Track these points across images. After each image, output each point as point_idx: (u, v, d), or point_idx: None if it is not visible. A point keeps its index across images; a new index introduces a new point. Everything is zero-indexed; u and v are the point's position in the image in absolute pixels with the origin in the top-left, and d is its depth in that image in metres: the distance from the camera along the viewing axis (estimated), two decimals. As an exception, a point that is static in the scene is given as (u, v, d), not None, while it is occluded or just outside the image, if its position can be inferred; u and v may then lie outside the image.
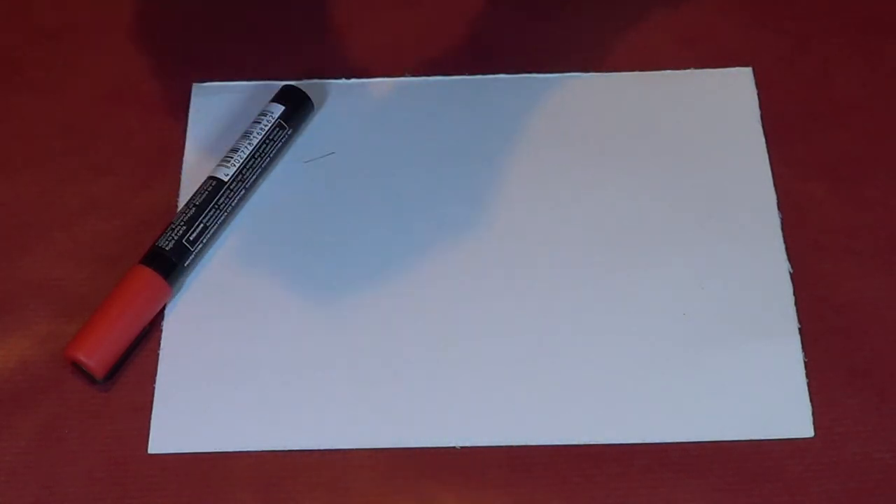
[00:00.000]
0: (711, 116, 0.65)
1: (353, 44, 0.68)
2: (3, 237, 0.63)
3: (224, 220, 0.62)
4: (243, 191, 0.63)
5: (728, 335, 0.59)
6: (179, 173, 0.64)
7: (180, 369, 0.59)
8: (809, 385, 0.58)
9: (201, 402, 0.58)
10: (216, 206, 0.61)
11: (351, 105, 0.66)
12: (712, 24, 0.68)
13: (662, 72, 0.67)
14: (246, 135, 0.63)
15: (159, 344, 0.60)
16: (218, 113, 0.66)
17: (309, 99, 0.65)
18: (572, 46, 0.68)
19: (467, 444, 0.57)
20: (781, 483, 0.56)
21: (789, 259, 0.61)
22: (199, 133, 0.66)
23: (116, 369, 0.59)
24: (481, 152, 0.65)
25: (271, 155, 0.64)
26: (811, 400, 0.57)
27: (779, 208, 0.62)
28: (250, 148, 0.63)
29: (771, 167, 0.63)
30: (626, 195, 0.63)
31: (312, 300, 0.60)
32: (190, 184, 0.63)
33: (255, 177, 0.63)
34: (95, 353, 0.58)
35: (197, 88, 0.67)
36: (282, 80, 0.66)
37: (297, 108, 0.65)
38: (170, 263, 0.60)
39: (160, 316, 0.60)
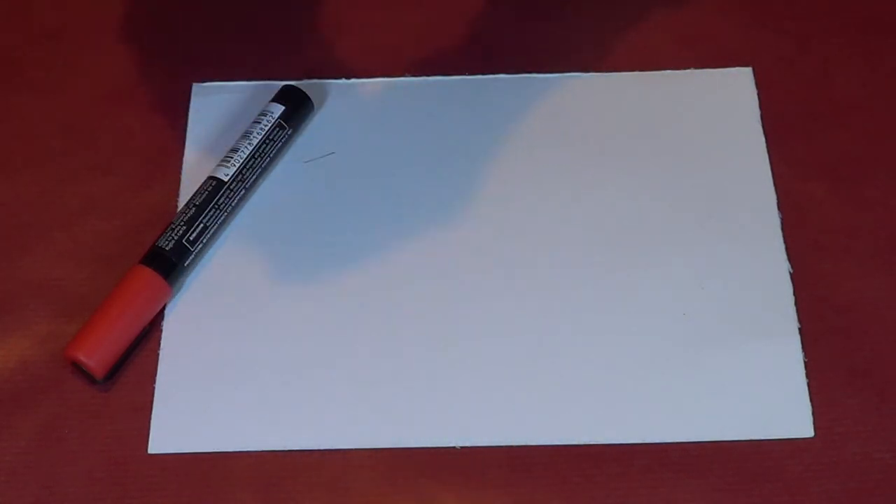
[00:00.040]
0: (711, 116, 0.65)
1: (353, 44, 0.68)
2: (3, 237, 0.63)
3: (224, 220, 0.62)
4: (243, 191, 0.63)
5: (728, 335, 0.59)
6: (179, 173, 0.64)
7: (180, 369, 0.59)
8: (809, 385, 0.58)
9: (201, 402, 0.58)
10: (216, 206, 0.61)
11: (351, 105, 0.66)
12: (712, 24, 0.68)
13: (662, 72, 0.67)
14: (246, 135, 0.63)
15: (159, 344, 0.60)
16: (218, 113, 0.66)
17: (309, 99, 0.65)
18: (572, 46, 0.68)
19: (467, 444, 0.57)
20: (781, 483, 0.56)
21: (789, 259, 0.61)
22: (199, 133, 0.66)
23: (116, 369, 0.59)
24: (481, 152, 0.65)
25: (271, 155, 0.64)
26: (811, 400, 0.57)
27: (779, 208, 0.62)
28: (250, 148, 0.63)
29: (771, 167, 0.63)
30: (626, 195, 0.63)
31: (312, 300, 0.60)
32: (190, 184, 0.63)
33: (255, 177, 0.63)
34: (95, 353, 0.58)
35: (197, 88, 0.67)
36: (282, 80, 0.66)
37: (297, 108, 0.65)
38: (170, 263, 0.60)
39: (160, 316, 0.60)
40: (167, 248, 0.60)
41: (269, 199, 0.64)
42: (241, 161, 0.62)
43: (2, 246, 0.63)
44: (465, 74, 0.67)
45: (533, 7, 0.69)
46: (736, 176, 0.63)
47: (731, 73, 0.67)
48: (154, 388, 0.58)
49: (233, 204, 0.62)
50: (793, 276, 0.60)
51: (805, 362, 0.58)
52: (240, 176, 0.62)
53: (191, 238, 0.61)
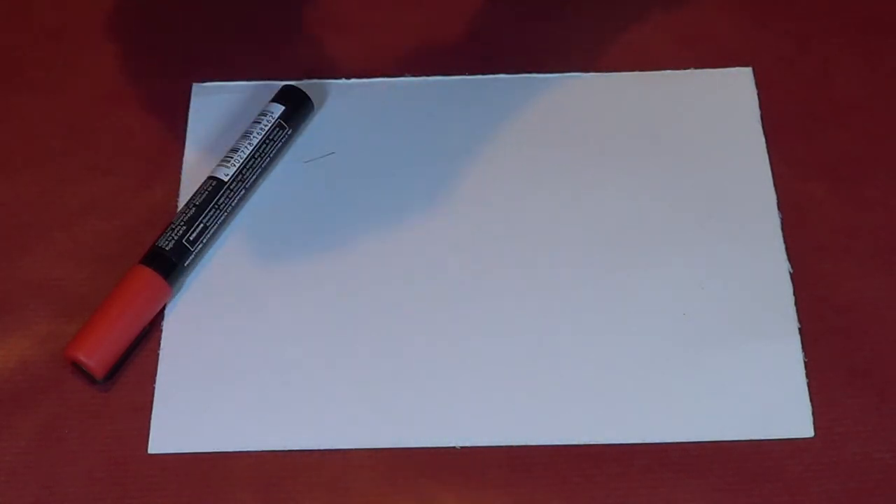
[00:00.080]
0: (711, 116, 0.65)
1: (353, 44, 0.68)
2: (3, 237, 0.63)
3: (224, 220, 0.62)
4: (243, 191, 0.63)
5: (728, 335, 0.59)
6: (179, 173, 0.64)
7: (180, 369, 0.59)
8: (809, 385, 0.58)
9: (201, 402, 0.58)
10: (216, 206, 0.61)
11: (351, 105, 0.66)
12: (712, 24, 0.68)
13: (662, 72, 0.67)
14: (246, 135, 0.63)
15: (159, 344, 0.60)
16: (218, 113, 0.66)
17: (309, 99, 0.65)
18: (572, 46, 0.68)
19: (467, 444, 0.57)
20: (781, 483, 0.56)
21: (789, 259, 0.61)
22: (199, 133, 0.66)
23: (116, 369, 0.59)
24: (481, 152, 0.64)
25: (271, 155, 0.64)
26: (811, 400, 0.57)
27: (779, 208, 0.62)
28: (250, 148, 0.63)
29: (771, 167, 0.63)
30: (626, 195, 0.63)
31: (312, 300, 0.60)
32: (190, 184, 0.63)
33: (255, 177, 0.63)
34: (95, 353, 0.58)
35: (197, 88, 0.67)
36: (282, 80, 0.66)
37: (297, 108, 0.65)
38: (170, 263, 0.60)
39: (160, 316, 0.60)
40: (167, 248, 0.60)
41: (269, 199, 0.64)
42: (241, 161, 0.62)
43: (2, 246, 0.63)
44: (465, 74, 0.67)
45: (533, 7, 0.69)
46: (736, 176, 0.63)
47: (731, 73, 0.67)
48: (154, 388, 0.58)
49: (233, 204, 0.62)
50: (793, 276, 0.60)
51: (805, 362, 0.58)
52: (240, 176, 0.62)
53: (191, 238, 0.61)
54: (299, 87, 0.65)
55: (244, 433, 0.57)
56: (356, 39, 0.69)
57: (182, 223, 0.61)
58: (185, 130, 0.66)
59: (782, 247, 0.61)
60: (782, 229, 0.62)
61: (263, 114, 0.64)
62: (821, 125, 0.65)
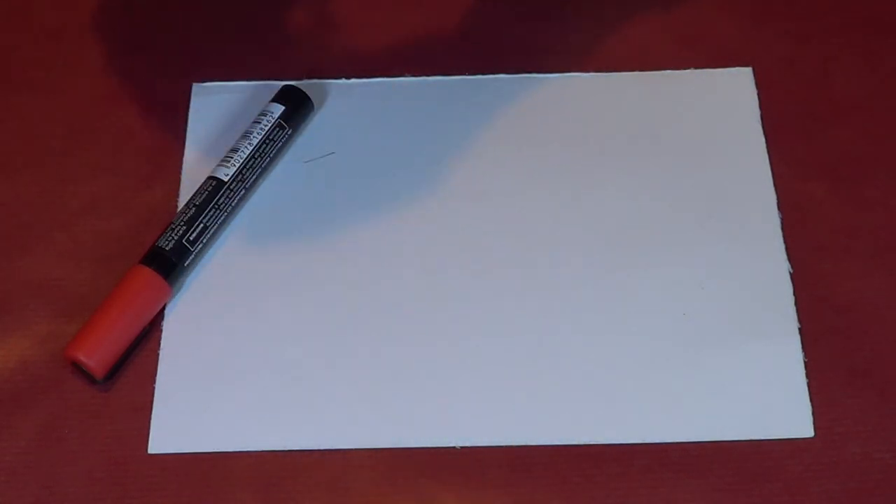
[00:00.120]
0: (711, 116, 0.65)
1: (353, 44, 0.68)
2: (3, 237, 0.63)
3: (224, 220, 0.62)
4: (243, 191, 0.63)
5: (728, 335, 0.59)
6: (179, 173, 0.64)
7: (180, 369, 0.59)
8: (809, 385, 0.58)
9: (201, 402, 0.58)
10: (216, 206, 0.61)
11: (351, 105, 0.66)
12: (712, 24, 0.68)
13: (662, 72, 0.67)
14: (246, 135, 0.63)
15: (159, 344, 0.60)
16: (218, 113, 0.66)
17: (309, 99, 0.65)
18: (572, 46, 0.68)
19: (467, 444, 0.57)
20: (781, 483, 0.56)
21: (789, 259, 0.61)
22: (199, 133, 0.66)
23: (116, 369, 0.59)
24: (481, 152, 0.65)
25: (271, 155, 0.64)
26: (811, 400, 0.57)
27: (779, 208, 0.62)
28: (250, 148, 0.63)
29: (771, 167, 0.63)
30: (626, 195, 0.63)
31: (312, 300, 0.60)
32: (190, 184, 0.63)
33: (255, 177, 0.63)
34: (95, 353, 0.58)
35: (197, 88, 0.67)
36: (282, 80, 0.66)
37: (297, 108, 0.65)
38: (170, 263, 0.60)
39: (160, 316, 0.60)
40: (167, 248, 0.60)
41: (269, 199, 0.64)
42: (241, 161, 0.62)
43: (2, 246, 0.63)
44: (465, 74, 0.67)
45: (533, 7, 0.69)
46: (736, 176, 0.63)
47: (731, 73, 0.67)
48: (154, 388, 0.58)
49: (233, 204, 0.62)
50: (793, 276, 0.60)
51: (805, 362, 0.58)
52: (240, 176, 0.62)
53: (191, 238, 0.61)
54: (299, 87, 0.65)
55: (244, 433, 0.57)
56: (356, 39, 0.69)
57: (182, 223, 0.61)
58: (185, 130, 0.66)
59: (782, 247, 0.61)
60: (782, 229, 0.62)
61: (263, 114, 0.64)
62: (821, 125, 0.65)
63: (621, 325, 0.59)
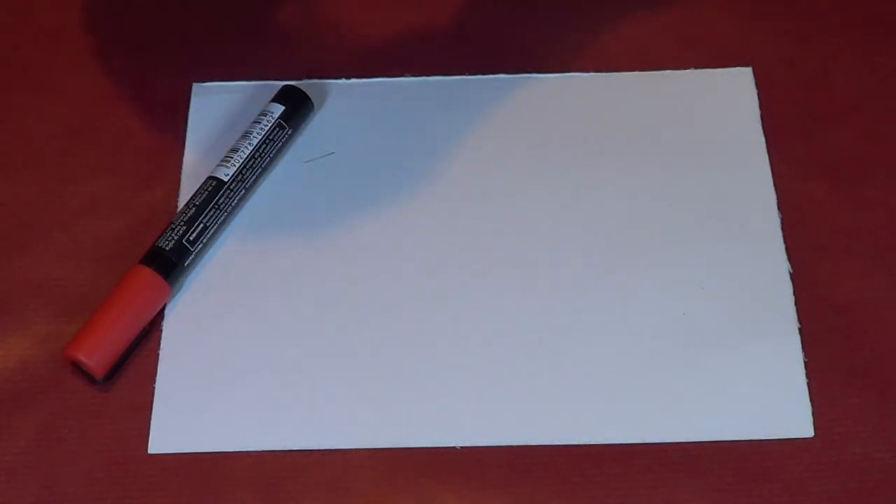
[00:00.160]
0: (711, 116, 0.65)
1: (353, 44, 0.68)
2: (3, 237, 0.63)
3: (224, 220, 0.62)
4: (243, 191, 0.63)
5: (728, 335, 0.59)
6: (179, 173, 0.64)
7: (180, 369, 0.59)
8: (809, 385, 0.58)
9: (201, 402, 0.58)
10: (216, 206, 0.61)
11: (351, 105, 0.66)
12: (712, 24, 0.68)
13: (662, 72, 0.67)
14: (246, 135, 0.63)
15: (159, 344, 0.60)
16: (218, 113, 0.66)
17: (309, 99, 0.65)
18: (572, 46, 0.68)
19: (467, 444, 0.57)
20: (781, 483, 0.56)
21: (789, 259, 0.61)
22: (199, 133, 0.66)
23: (116, 369, 0.59)
24: (481, 152, 0.65)
25: (271, 155, 0.64)
26: (811, 400, 0.57)
27: (779, 208, 0.62)
28: (250, 148, 0.63)
29: (771, 167, 0.63)
30: (626, 195, 0.63)
31: (312, 300, 0.60)
32: (190, 184, 0.63)
33: (255, 177, 0.63)
34: (95, 353, 0.58)
35: (197, 88, 0.67)
36: (282, 80, 0.66)
37: (297, 108, 0.65)
38: (170, 263, 0.60)
39: (160, 316, 0.60)
40: (167, 248, 0.60)
41: (269, 199, 0.64)
42: (241, 161, 0.62)
43: (2, 246, 0.63)
44: (465, 74, 0.67)
45: (533, 7, 0.69)
46: (736, 176, 0.63)
47: (731, 73, 0.67)
48: (154, 388, 0.58)
49: (233, 204, 0.62)
50: (793, 276, 0.60)
51: (805, 362, 0.58)
52: (240, 176, 0.62)
53: (191, 238, 0.61)
54: (299, 87, 0.65)
55: (244, 433, 0.57)
56: (356, 39, 0.69)
57: (182, 223, 0.61)
58: (185, 130, 0.66)
59: (782, 247, 0.61)
60: (782, 229, 0.62)
61: (263, 114, 0.64)
62: (821, 125, 0.65)
63: (621, 325, 0.59)
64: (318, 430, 0.57)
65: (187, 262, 0.60)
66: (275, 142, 0.64)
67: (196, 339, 0.60)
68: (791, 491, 0.55)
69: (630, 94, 0.66)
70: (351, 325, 0.60)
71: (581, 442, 0.57)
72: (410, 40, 0.68)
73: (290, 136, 0.64)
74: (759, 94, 0.66)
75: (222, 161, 0.63)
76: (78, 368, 0.58)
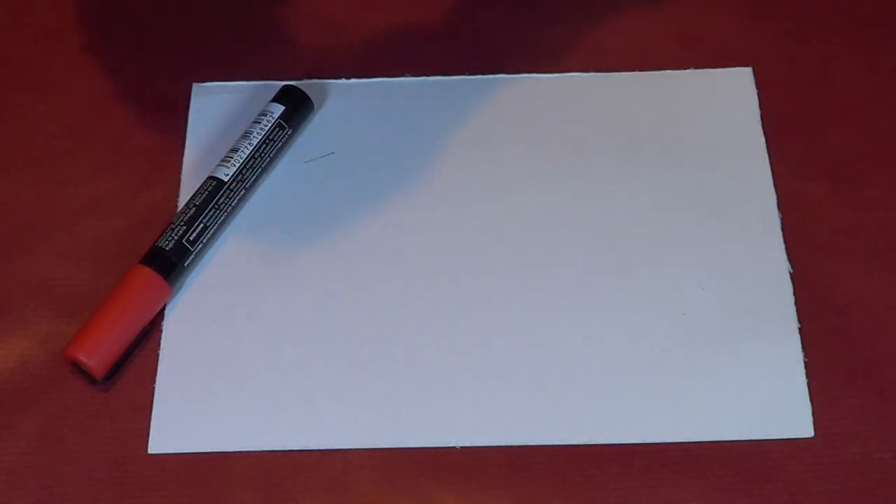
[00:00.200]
0: (711, 116, 0.65)
1: (353, 44, 0.68)
2: (3, 237, 0.63)
3: (224, 220, 0.62)
4: (243, 191, 0.63)
5: (728, 335, 0.59)
6: (179, 173, 0.64)
7: (180, 369, 0.59)
8: (809, 385, 0.58)
9: (201, 402, 0.58)
10: (216, 206, 0.61)
11: (351, 105, 0.66)
12: (712, 23, 0.68)
13: (662, 72, 0.67)
14: (246, 135, 0.63)
15: (159, 344, 0.60)
16: (218, 113, 0.66)
17: (309, 99, 0.65)
18: (572, 46, 0.68)
19: (467, 444, 0.57)
20: (781, 483, 0.56)
21: (789, 259, 0.61)
22: (199, 133, 0.66)
23: (116, 369, 0.59)
24: (481, 152, 0.65)
25: (271, 155, 0.64)
26: (811, 400, 0.57)
27: (779, 208, 0.62)
28: (250, 148, 0.63)
29: (771, 167, 0.63)
30: (625, 195, 0.63)
31: (312, 300, 0.60)
32: (190, 184, 0.63)
33: (255, 177, 0.63)
34: (95, 353, 0.58)
35: (197, 88, 0.67)
36: (282, 80, 0.66)
37: (297, 108, 0.65)
38: (170, 263, 0.60)
39: (160, 316, 0.60)
40: (167, 248, 0.60)
41: (269, 199, 0.64)
42: (241, 161, 0.62)
43: (2, 246, 0.63)
44: (465, 74, 0.67)
45: (533, 7, 0.69)
46: (736, 176, 0.63)
47: (731, 73, 0.67)
48: (154, 388, 0.58)
49: (233, 204, 0.62)
50: (793, 276, 0.60)
51: (805, 362, 0.58)
52: (240, 176, 0.62)
53: (191, 238, 0.61)
54: (299, 87, 0.65)
55: (244, 433, 0.57)
56: (356, 39, 0.69)
57: (182, 223, 0.61)
58: (185, 130, 0.66)
59: (782, 247, 0.61)
60: (782, 229, 0.62)
61: (263, 114, 0.64)
62: (821, 125, 0.65)
63: (621, 325, 0.59)
64: (318, 430, 0.57)
65: (187, 262, 0.60)
66: (275, 142, 0.64)
67: (196, 339, 0.60)
68: (791, 491, 0.55)
69: (630, 94, 0.66)
70: (351, 324, 0.60)
71: (581, 442, 0.57)
72: (410, 40, 0.68)
73: (290, 136, 0.64)
74: (759, 94, 0.66)
75: (222, 161, 0.63)
76: (78, 368, 0.58)
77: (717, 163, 0.64)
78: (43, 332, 0.60)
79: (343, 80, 0.67)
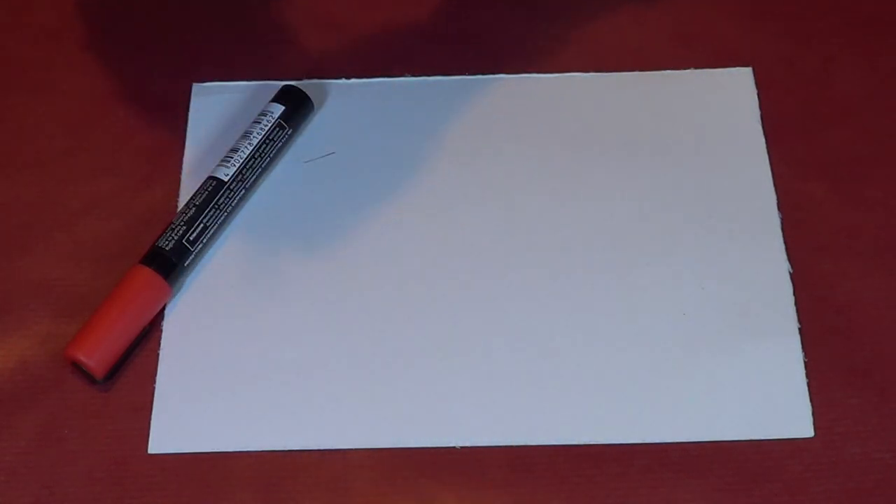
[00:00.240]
0: (711, 116, 0.65)
1: (353, 44, 0.68)
2: (3, 237, 0.63)
3: (224, 220, 0.62)
4: (243, 191, 0.63)
5: (728, 335, 0.59)
6: (179, 173, 0.64)
7: (180, 369, 0.59)
8: (809, 385, 0.58)
9: (201, 402, 0.58)
10: (216, 206, 0.61)
11: (351, 105, 0.66)
12: (712, 24, 0.68)
13: (662, 72, 0.67)
14: (246, 135, 0.63)
15: (159, 344, 0.60)
16: (218, 113, 0.66)
17: (309, 99, 0.65)
18: (572, 46, 0.68)
19: (467, 444, 0.57)
20: (781, 483, 0.56)
21: (789, 259, 0.61)
22: (199, 133, 0.66)
23: (116, 369, 0.59)
24: (481, 152, 0.65)
25: (271, 155, 0.64)
26: (811, 400, 0.57)
27: (779, 208, 0.62)
28: (250, 148, 0.63)
29: (771, 167, 0.63)
30: (625, 195, 0.63)
31: (312, 300, 0.60)
32: (190, 184, 0.63)
33: (255, 177, 0.63)
34: (95, 353, 0.58)
35: (197, 88, 0.67)
36: (282, 80, 0.66)
37: (297, 108, 0.65)
38: (170, 263, 0.60)
39: (160, 316, 0.60)
40: (167, 248, 0.60)
41: (269, 199, 0.64)
42: (241, 161, 0.62)
43: (2, 246, 0.63)
44: (465, 74, 0.67)
45: (533, 7, 0.69)
46: (736, 176, 0.63)
47: (731, 73, 0.67)
48: (154, 388, 0.58)
49: (233, 204, 0.62)
50: (793, 276, 0.60)
51: (805, 362, 0.58)
52: (240, 176, 0.62)
53: (191, 238, 0.61)
54: (299, 87, 0.65)
55: (244, 433, 0.57)
56: (356, 39, 0.69)
57: (182, 223, 0.61)
58: (185, 130, 0.66)
59: (782, 247, 0.61)
60: (782, 229, 0.62)
61: (263, 114, 0.64)
62: (821, 125, 0.65)
63: (621, 325, 0.59)
64: (318, 430, 0.57)
65: (187, 262, 0.60)
66: (275, 142, 0.64)
67: (196, 339, 0.60)
68: (791, 491, 0.55)
69: (630, 94, 0.66)
70: (351, 324, 0.60)
71: (581, 442, 0.57)
72: (410, 40, 0.68)
73: (290, 136, 0.64)
74: (759, 94, 0.66)
75: (222, 161, 0.63)
76: (78, 368, 0.58)
77: (717, 163, 0.64)
78: (43, 332, 0.60)
79: (343, 80, 0.67)
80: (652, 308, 0.60)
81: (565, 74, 0.67)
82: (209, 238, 0.61)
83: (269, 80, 0.67)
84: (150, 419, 0.58)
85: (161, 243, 0.60)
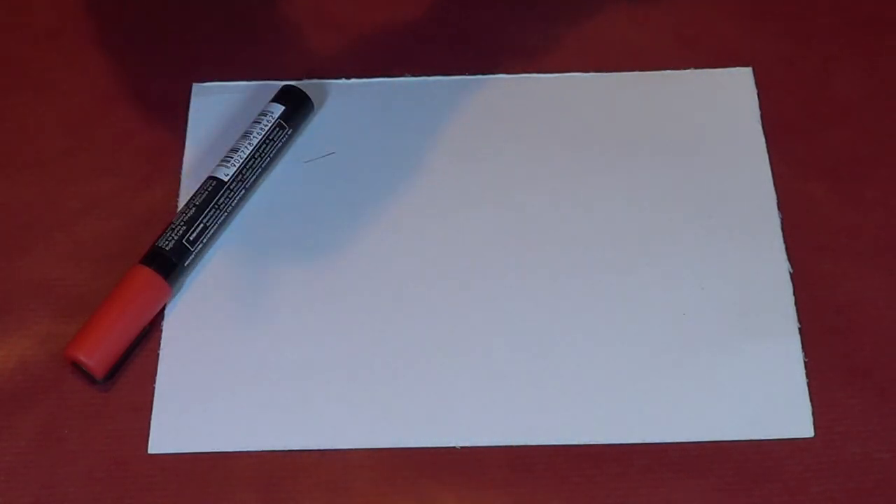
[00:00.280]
0: (711, 116, 0.65)
1: (353, 44, 0.68)
2: (3, 237, 0.63)
3: (224, 220, 0.62)
4: (243, 191, 0.63)
5: (728, 335, 0.59)
6: (179, 173, 0.64)
7: (180, 369, 0.59)
8: (809, 385, 0.58)
9: (201, 402, 0.58)
10: (216, 206, 0.61)
11: (351, 105, 0.66)
12: (712, 23, 0.68)
13: (662, 72, 0.67)
14: (246, 135, 0.63)
15: (159, 344, 0.60)
16: (218, 113, 0.66)
17: (309, 99, 0.65)
18: (572, 46, 0.68)
19: (467, 444, 0.57)
20: (781, 483, 0.56)
21: (789, 259, 0.61)
22: (199, 133, 0.66)
23: (116, 369, 0.59)
24: (481, 152, 0.65)
25: (271, 155, 0.64)
26: (811, 400, 0.57)
27: (779, 208, 0.62)
28: (250, 148, 0.63)
29: (771, 167, 0.63)
30: (625, 195, 0.63)
31: (312, 300, 0.60)
32: (190, 184, 0.63)
33: (255, 177, 0.63)
34: (95, 353, 0.58)
35: (197, 88, 0.67)
36: (282, 80, 0.66)
37: (297, 108, 0.65)
38: (170, 263, 0.60)
39: (160, 316, 0.60)
40: (167, 248, 0.60)
41: (269, 199, 0.64)
42: (241, 161, 0.62)
43: (2, 246, 0.63)
44: (465, 74, 0.67)
45: (533, 7, 0.69)
46: (736, 176, 0.63)
47: (731, 73, 0.67)
48: (154, 388, 0.58)
49: (233, 204, 0.62)
50: (793, 276, 0.60)
51: (805, 362, 0.58)
52: (240, 176, 0.62)
53: (191, 238, 0.61)
54: (299, 87, 0.65)
55: (244, 433, 0.57)
56: (356, 39, 0.69)
57: (182, 223, 0.61)
58: (185, 130, 0.66)
59: (782, 247, 0.61)
60: (782, 229, 0.62)
61: (263, 114, 0.64)
62: (821, 125, 0.65)
63: (621, 325, 0.59)
64: (318, 430, 0.57)
65: (187, 262, 0.60)
66: (275, 142, 0.64)
67: (196, 339, 0.60)
68: (791, 491, 0.55)
69: (630, 94, 0.66)
70: (351, 324, 0.60)
71: (581, 442, 0.57)
72: (410, 40, 0.68)
73: (290, 136, 0.64)
74: (759, 94, 0.66)
75: (222, 161, 0.63)
76: (78, 368, 0.58)
77: (717, 163, 0.64)
78: (43, 332, 0.60)
79: (343, 80, 0.67)
80: (652, 308, 0.60)
81: (565, 74, 0.67)
82: (209, 238, 0.61)
83: (269, 80, 0.67)
84: (150, 419, 0.58)
85: (161, 243, 0.60)
